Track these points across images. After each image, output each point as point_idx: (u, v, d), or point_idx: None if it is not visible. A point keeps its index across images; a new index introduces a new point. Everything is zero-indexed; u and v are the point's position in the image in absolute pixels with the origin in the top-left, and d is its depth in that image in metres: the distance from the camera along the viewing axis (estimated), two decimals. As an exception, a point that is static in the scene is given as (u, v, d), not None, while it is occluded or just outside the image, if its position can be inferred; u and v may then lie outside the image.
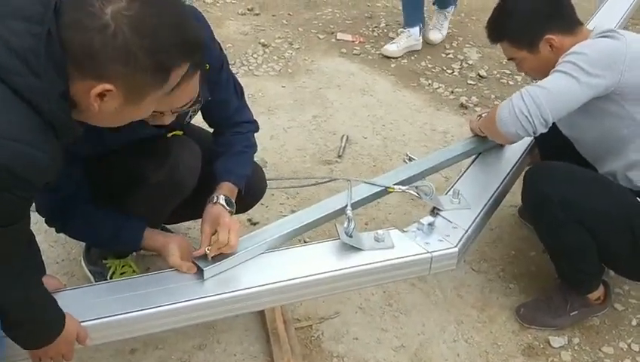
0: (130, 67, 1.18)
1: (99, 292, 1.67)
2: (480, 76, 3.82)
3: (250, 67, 3.76)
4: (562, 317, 2.14)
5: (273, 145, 3.03)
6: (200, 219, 1.79)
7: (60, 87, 1.17)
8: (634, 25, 4.31)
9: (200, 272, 1.70)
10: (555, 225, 1.95)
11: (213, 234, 1.72)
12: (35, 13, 1.14)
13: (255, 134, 2.01)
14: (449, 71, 3.86)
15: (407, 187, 2.05)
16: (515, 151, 2.32)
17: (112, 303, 1.61)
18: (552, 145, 2.22)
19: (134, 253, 2.15)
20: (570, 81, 1.89)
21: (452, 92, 3.64)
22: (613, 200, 1.94)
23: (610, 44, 1.94)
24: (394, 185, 2.06)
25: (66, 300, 1.53)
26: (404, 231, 1.94)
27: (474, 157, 2.31)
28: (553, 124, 1.97)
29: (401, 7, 4.09)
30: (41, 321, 1.41)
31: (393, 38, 4.10)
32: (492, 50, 3.85)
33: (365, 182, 2.09)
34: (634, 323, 2.21)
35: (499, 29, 2.14)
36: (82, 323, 1.52)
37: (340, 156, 3.00)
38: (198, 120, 1.95)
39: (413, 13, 3.98)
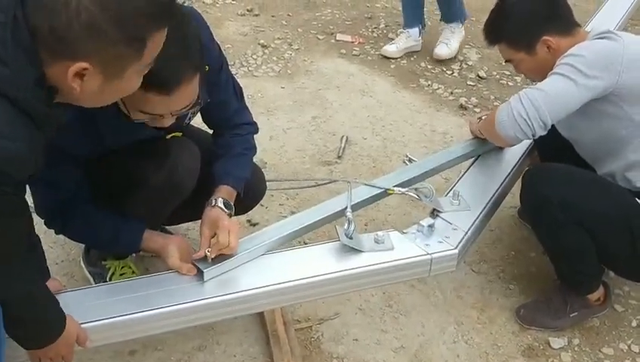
0: (100, 42, 1.14)
1: (98, 294, 1.68)
2: (479, 77, 3.82)
3: (250, 68, 3.76)
4: (562, 319, 2.14)
5: (273, 146, 3.02)
6: (200, 221, 1.79)
7: (33, 75, 1.14)
8: (633, 26, 4.31)
9: (200, 274, 1.70)
10: (555, 227, 1.95)
11: (213, 237, 1.72)
12: None
13: (254, 135, 2.01)
14: (448, 72, 3.85)
15: (407, 189, 2.05)
16: (514, 153, 2.32)
17: (112, 305, 1.61)
18: (552, 147, 2.23)
19: (134, 255, 2.15)
20: (568, 84, 1.90)
21: (451, 93, 3.64)
22: (612, 201, 1.94)
23: (608, 45, 1.94)
24: (394, 187, 2.06)
25: (65, 301, 1.53)
26: (404, 233, 1.94)
27: (474, 158, 2.31)
28: (552, 125, 1.97)
29: (400, 8, 4.09)
30: (42, 321, 1.41)
31: (393, 39, 4.10)
32: (491, 51, 3.81)
33: (365, 184, 2.09)
34: (634, 324, 2.21)
35: (496, 31, 2.14)
36: (82, 325, 1.52)
37: (339, 157, 3.00)
38: (198, 121, 1.95)
39: (412, 14, 3.97)
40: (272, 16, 4.44)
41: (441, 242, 1.91)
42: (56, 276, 1.90)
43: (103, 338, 1.61)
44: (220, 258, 1.72)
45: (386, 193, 2.07)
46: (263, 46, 3.99)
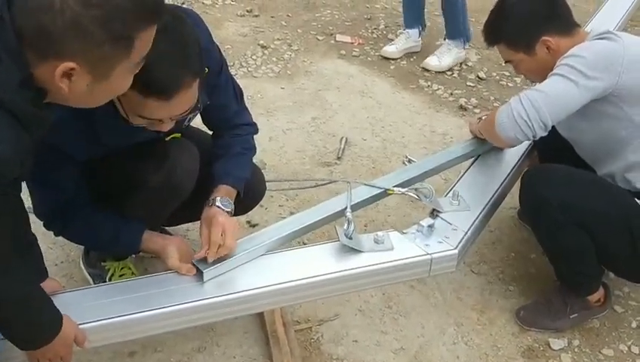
0: (85, 41, 1.13)
1: (98, 295, 1.67)
2: (479, 78, 3.82)
3: (249, 69, 3.76)
4: (562, 320, 2.14)
5: (272, 147, 3.02)
6: (199, 221, 1.78)
7: (18, 76, 1.14)
8: (633, 26, 4.31)
9: (199, 274, 1.70)
10: (554, 228, 1.94)
11: None
12: None
13: (254, 136, 2.01)
14: (448, 72, 3.85)
15: (406, 189, 2.05)
16: (514, 154, 2.32)
17: (111, 305, 1.61)
18: (551, 148, 2.22)
19: (133, 256, 2.15)
20: (569, 85, 1.89)
21: (451, 94, 3.63)
22: (611, 201, 1.94)
23: (608, 46, 1.94)
24: (393, 187, 2.05)
25: (64, 302, 1.53)
26: (404, 233, 1.94)
27: (473, 159, 2.31)
28: (552, 126, 1.97)
29: (399, 9, 4.09)
30: (37, 322, 1.40)
31: (392, 40, 4.10)
32: (491, 52, 3.84)
33: (365, 184, 2.09)
34: (634, 325, 2.20)
35: (496, 31, 2.14)
36: (81, 326, 1.52)
37: (339, 158, 3.00)
38: (197, 121, 1.94)
39: (412, 15, 3.97)
40: (272, 17, 4.44)
41: (440, 242, 1.91)
42: (55, 277, 1.90)
43: (102, 338, 1.60)
44: (220, 258, 1.72)
45: (385, 193, 2.07)
46: (263, 47, 3.99)
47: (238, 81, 1.97)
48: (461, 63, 3.93)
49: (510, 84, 3.78)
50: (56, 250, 2.29)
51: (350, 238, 1.83)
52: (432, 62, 3.86)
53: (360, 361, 2.02)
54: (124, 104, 1.51)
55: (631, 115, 1.93)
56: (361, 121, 3.31)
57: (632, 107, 1.92)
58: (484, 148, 2.30)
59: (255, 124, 2.02)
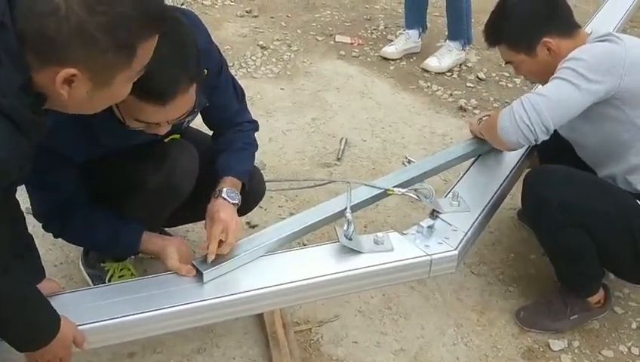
0: (89, 48, 1.13)
1: (97, 296, 1.67)
2: (479, 79, 3.82)
3: (249, 69, 3.75)
4: (562, 321, 2.14)
5: (272, 148, 3.02)
6: (199, 222, 1.78)
7: (18, 80, 1.13)
8: (632, 27, 4.31)
9: (199, 275, 1.69)
10: (555, 228, 1.94)
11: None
12: None
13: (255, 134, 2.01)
14: (448, 73, 3.85)
15: (406, 190, 2.05)
16: (514, 154, 2.31)
17: (110, 306, 1.61)
18: (551, 149, 2.22)
19: (133, 257, 2.14)
20: (571, 88, 1.89)
21: (451, 94, 3.63)
22: (612, 202, 1.93)
23: (609, 48, 1.93)
24: (393, 187, 2.05)
25: (63, 303, 1.53)
26: (404, 234, 1.94)
27: (473, 159, 2.31)
28: (553, 129, 1.97)
29: (399, 10, 4.08)
30: (35, 323, 1.39)
31: (392, 40, 4.09)
32: (491, 52, 3.84)
33: (365, 185, 2.09)
34: (634, 326, 2.20)
35: (497, 32, 2.14)
36: (80, 327, 1.51)
37: (338, 159, 2.99)
38: (197, 122, 1.94)
39: (414, 16, 3.97)
40: (271, 18, 4.44)
41: (440, 243, 1.91)
42: (54, 278, 1.90)
43: (102, 339, 1.60)
44: (220, 259, 1.71)
45: (385, 194, 2.07)
46: (262, 47, 3.98)
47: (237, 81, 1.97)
48: (461, 64, 3.92)
49: (510, 85, 3.77)
50: (55, 251, 2.28)
51: (350, 239, 1.83)
52: (432, 63, 3.85)
53: (360, 362, 2.02)
54: (121, 107, 1.50)
55: (633, 117, 1.93)
56: (361, 122, 3.30)
57: (634, 110, 1.92)
58: (484, 148, 2.30)
59: (256, 122, 2.02)
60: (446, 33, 3.95)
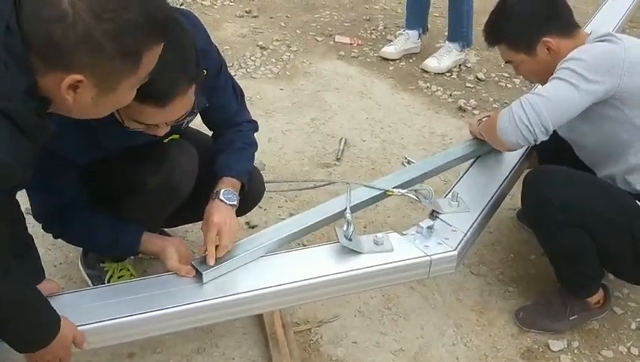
0: (95, 55, 1.13)
1: (96, 296, 1.67)
2: (478, 79, 3.82)
3: (248, 70, 3.75)
4: (562, 321, 2.14)
5: (271, 148, 3.02)
6: (198, 222, 1.78)
7: (23, 84, 1.13)
8: (632, 28, 4.32)
9: (199, 276, 1.69)
10: (555, 229, 1.94)
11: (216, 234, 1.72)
12: None
13: (255, 134, 2.01)
14: (447, 74, 3.85)
15: (406, 190, 2.05)
16: (513, 155, 2.31)
17: (110, 307, 1.61)
18: (550, 149, 2.22)
19: (132, 257, 2.14)
20: (570, 89, 1.89)
21: (450, 95, 3.63)
22: (612, 202, 1.94)
23: (609, 48, 1.94)
24: (393, 188, 2.05)
25: (63, 304, 1.53)
26: (404, 235, 1.94)
27: (472, 160, 2.31)
28: (552, 129, 1.97)
29: (399, 10, 4.08)
30: (34, 324, 1.39)
31: (391, 41, 4.10)
32: (490, 53, 3.85)
33: (364, 186, 2.08)
34: (633, 326, 2.20)
35: (497, 31, 2.14)
36: (80, 327, 1.51)
37: (338, 159, 2.99)
38: (197, 122, 1.94)
39: (415, 17, 3.97)
40: (271, 18, 4.44)
41: (440, 243, 1.91)
42: (54, 278, 1.89)
43: (101, 340, 1.60)
44: (219, 260, 1.71)
45: (385, 194, 2.06)
46: (262, 47, 3.99)
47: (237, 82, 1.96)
48: (460, 65, 3.93)
49: (509, 85, 3.77)
50: (54, 251, 2.28)
51: (350, 239, 1.83)
52: (432, 63, 3.85)
53: (359, 363, 2.02)
54: (120, 109, 1.50)
55: (632, 117, 1.93)
56: (361, 122, 3.30)
57: (633, 110, 1.92)
58: (484, 149, 2.30)
59: (255, 122, 2.02)
60: (446, 34, 3.96)
